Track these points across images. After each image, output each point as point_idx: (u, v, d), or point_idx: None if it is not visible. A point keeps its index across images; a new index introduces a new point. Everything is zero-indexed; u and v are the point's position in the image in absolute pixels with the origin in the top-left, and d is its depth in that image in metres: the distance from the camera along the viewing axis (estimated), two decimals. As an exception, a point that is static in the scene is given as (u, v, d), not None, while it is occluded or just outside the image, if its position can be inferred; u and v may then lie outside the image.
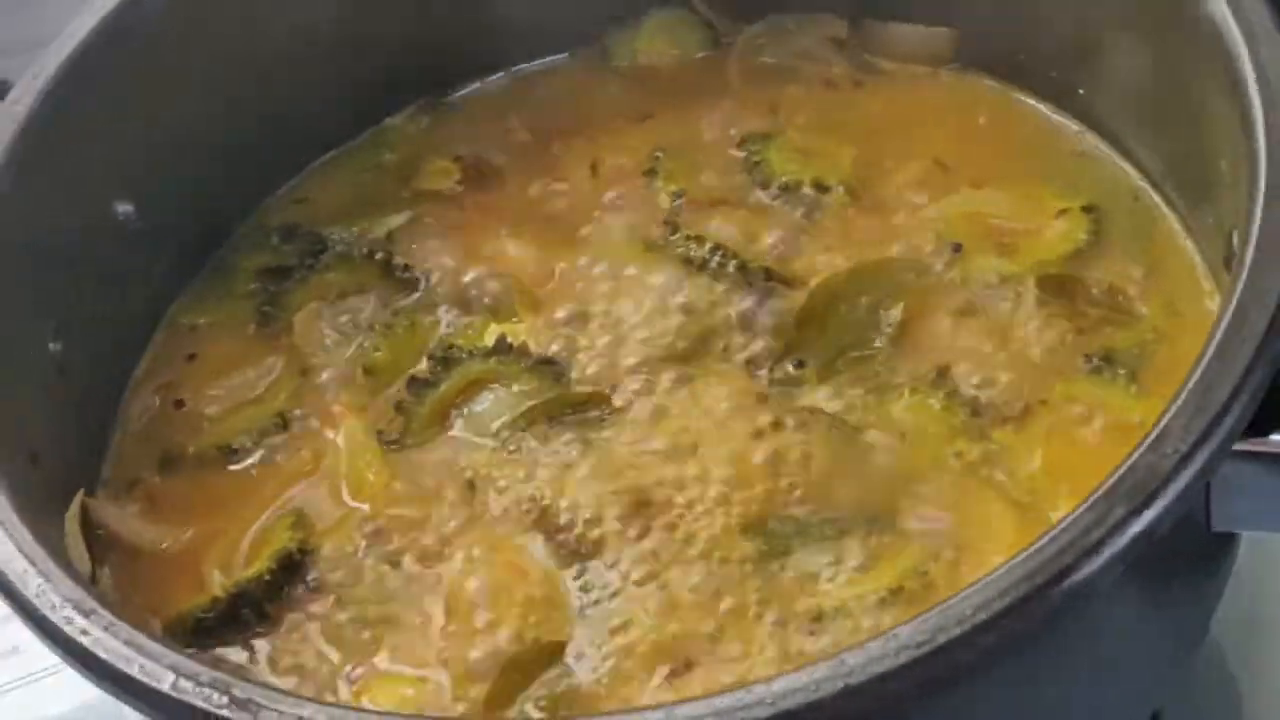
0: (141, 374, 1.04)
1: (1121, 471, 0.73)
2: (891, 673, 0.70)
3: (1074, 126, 1.02)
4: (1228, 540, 0.85)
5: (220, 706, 0.72)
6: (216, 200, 1.07)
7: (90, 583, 0.90)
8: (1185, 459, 0.72)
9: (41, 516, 0.88)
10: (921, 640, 0.70)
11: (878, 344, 0.96)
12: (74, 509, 0.94)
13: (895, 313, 0.96)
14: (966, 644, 0.70)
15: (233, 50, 1.05)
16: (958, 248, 0.98)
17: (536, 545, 0.91)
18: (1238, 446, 0.77)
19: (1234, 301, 0.75)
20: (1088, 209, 0.98)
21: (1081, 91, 1.00)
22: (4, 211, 0.95)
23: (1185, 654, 0.88)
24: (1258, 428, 0.78)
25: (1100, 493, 0.72)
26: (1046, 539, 0.71)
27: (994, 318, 0.95)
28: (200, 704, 0.73)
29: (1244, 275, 0.75)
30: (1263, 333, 0.74)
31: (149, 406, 1.02)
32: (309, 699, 0.75)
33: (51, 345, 0.96)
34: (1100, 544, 0.71)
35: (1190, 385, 0.74)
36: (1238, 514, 0.80)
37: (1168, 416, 0.73)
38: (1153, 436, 0.73)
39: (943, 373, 0.93)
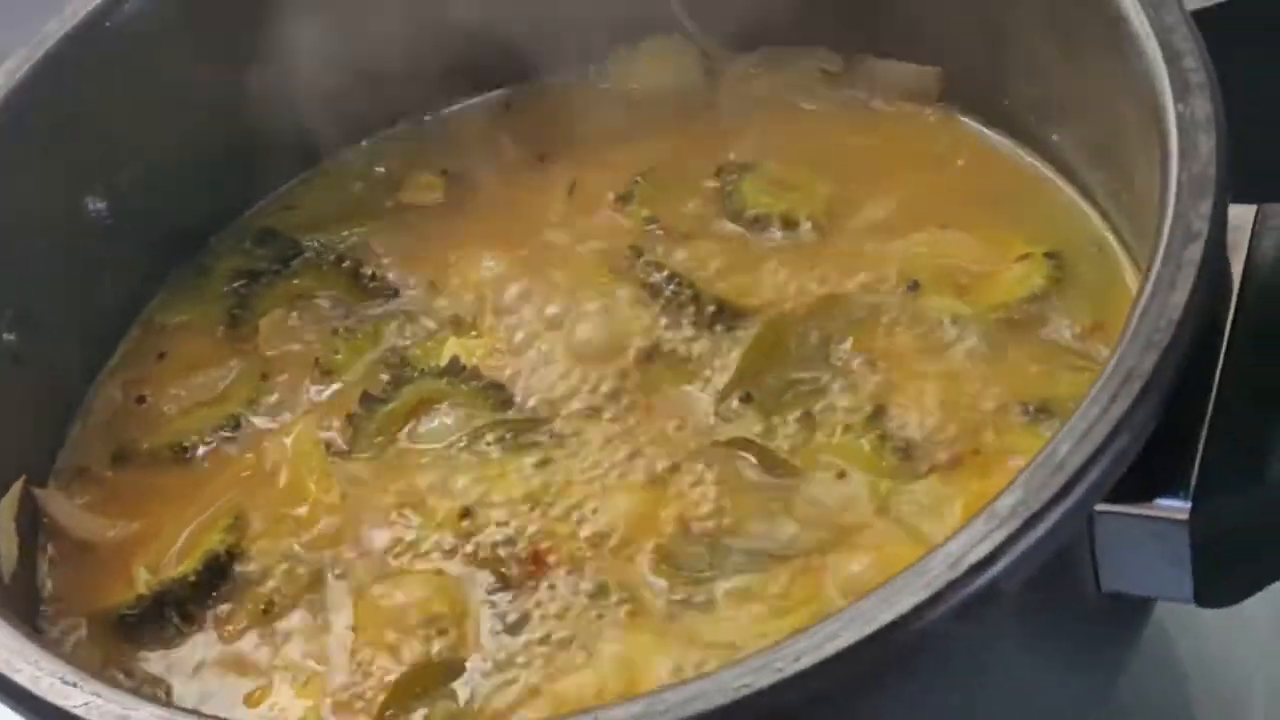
0: (111, 369, 1.05)
1: (969, 526, 0.71)
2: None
3: (1048, 173, 1.00)
4: (1129, 602, 0.82)
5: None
6: (200, 202, 1.08)
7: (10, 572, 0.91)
8: (1031, 520, 0.70)
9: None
10: (740, 684, 0.69)
11: (825, 379, 0.94)
12: (9, 498, 0.95)
13: (845, 348, 0.95)
14: (787, 689, 0.68)
15: (220, 57, 1.05)
16: (914, 285, 0.97)
17: (459, 568, 0.91)
18: (1120, 509, 0.75)
19: (1102, 378, 0.73)
20: (1050, 255, 0.96)
21: (1055, 138, 0.98)
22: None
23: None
24: (1143, 491, 0.76)
25: (944, 545, 0.71)
26: (884, 588, 0.70)
27: (939, 359, 0.94)
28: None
29: (1119, 349, 0.73)
30: (1124, 410, 0.72)
31: (112, 400, 1.04)
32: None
33: (4, 335, 0.97)
34: (938, 596, 0.69)
35: (1048, 448, 0.72)
36: (1127, 576, 0.78)
37: (1023, 474, 0.72)
38: (1006, 496, 0.71)
39: (878, 412, 0.92)
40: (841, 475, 0.91)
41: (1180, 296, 0.75)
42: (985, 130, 1.04)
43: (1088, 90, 0.92)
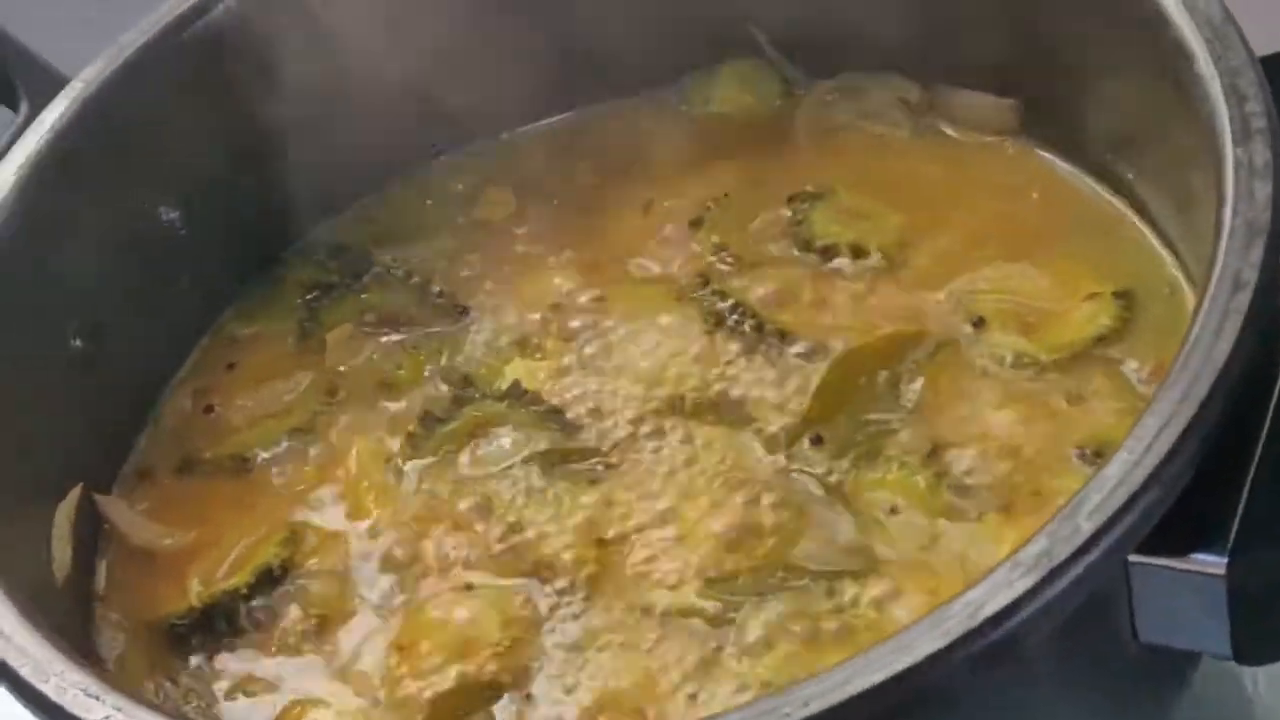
0: (182, 377, 1.06)
1: (992, 574, 0.70)
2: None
3: (1124, 211, 0.99)
4: (1170, 654, 0.81)
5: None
6: (277, 213, 1.08)
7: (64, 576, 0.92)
8: (1054, 572, 0.69)
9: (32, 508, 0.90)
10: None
11: (895, 421, 0.93)
12: (69, 502, 0.96)
13: (916, 387, 0.94)
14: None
15: (300, 72, 1.06)
16: (979, 322, 0.95)
17: (509, 591, 0.91)
18: (1156, 561, 0.74)
19: (1136, 429, 0.72)
20: (1119, 294, 0.94)
21: (1130, 176, 0.97)
22: (33, 204, 0.97)
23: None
24: (1180, 543, 0.74)
25: (964, 594, 0.70)
26: (901, 634, 0.69)
27: (1001, 399, 0.92)
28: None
29: (1156, 400, 0.72)
30: (1156, 464, 0.70)
31: (181, 409, 1.05)
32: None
33: (74, 342, 0.98)
34: (954, 646, 0.69)
35: (1078, 496, 0.71)
36: (1165, 628, 0.77)
37: (1050, 524, 0.70)
38: (1030, 545, 0.70)
39: (937, 450, 0.91)
40: (894, 511, 0.90)
41: (1224, 347, 0.74)
42: (1062, 164, 1.02)
43: (1157, 128, 0.91)
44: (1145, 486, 0.71)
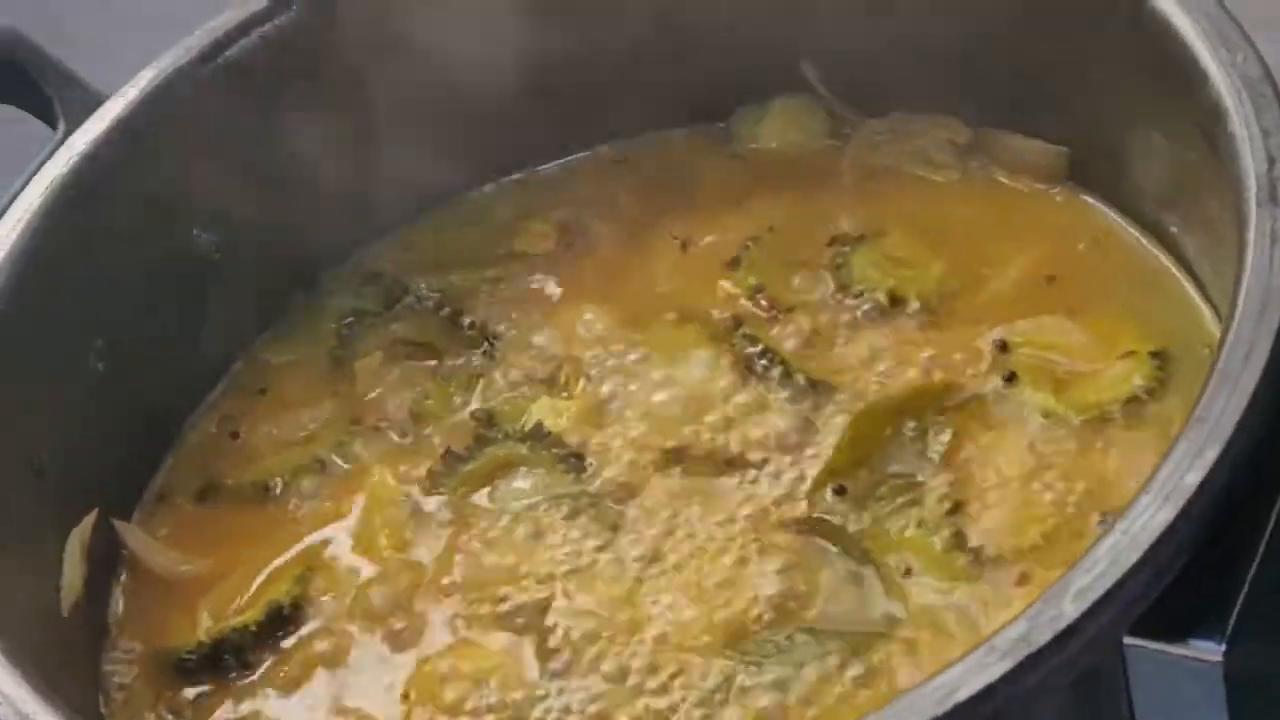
0: (213, 401, 1.05)
1: (968, 656, 0.67)
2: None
3: (1168, 265, 0.96)
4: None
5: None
6: (316, 239, 1.07)
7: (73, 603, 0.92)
8: (1032, 659, 0.67)
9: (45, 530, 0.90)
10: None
11: (919, 475, 0.90)
12: (83, 528, 0.95)
13: (943, 439, 0.91)
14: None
15: (344, 97, 1.04)
16: (1011, 377, 0.93)
17: (516, 643, 0.90)
18: (1151, 645, 0.71)
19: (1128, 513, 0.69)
20: (1155, 354, 0.91)
21: (1174, 230, 0.94)
22: (59, 224, 0.96)
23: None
24: (1178, 627, 0.71)
25: (939, 676, 0.67)
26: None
27: (1025, 457, 0.90)
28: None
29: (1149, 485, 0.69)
30: (1143, 553, 0.68)
31: (207, 433, 1.04)
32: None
33: (96, 365, 0.98)
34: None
35: (1063, 580, 0.68)
36: (1163, 712, 0.74)
37: (1032, 607, 0.68)
38: (1009, 629, 0.68)
39: (957, 509, 0.88)
40: (909, 572, 0.87)
41: (1229, 422, 0.71)
42: (1110, 214, 0.99)
43: (1196, 184, 0.87)
44: (1136, 569, 0.69)
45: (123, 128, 1.00)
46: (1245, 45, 0.83)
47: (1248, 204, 0.77)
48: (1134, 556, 0.69)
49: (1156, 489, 0.70)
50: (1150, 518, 0.69)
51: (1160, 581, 0.70)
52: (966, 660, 0.68)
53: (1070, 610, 0.68)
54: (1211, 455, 0.70)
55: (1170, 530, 0.69)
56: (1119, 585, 0.68)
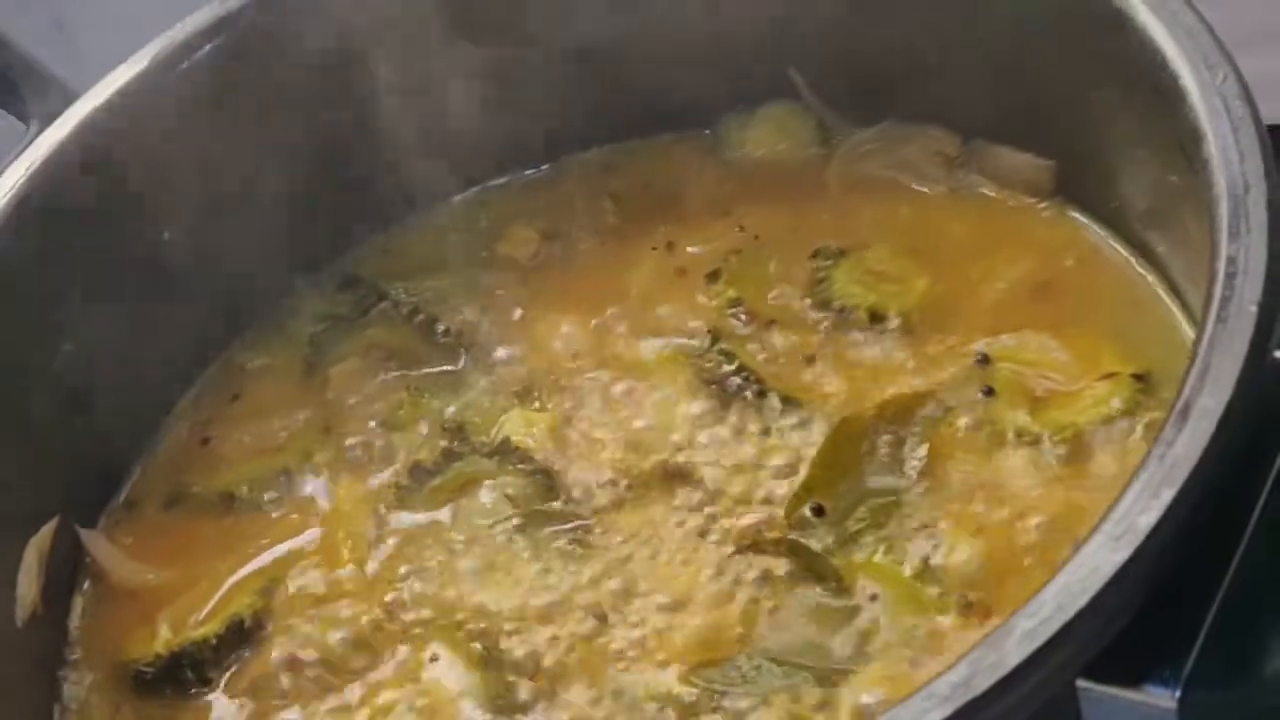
0: (186, 406, 1.04)
1: (906, 702, 0.65)
2: None
3: (1154, 284, 0.93)
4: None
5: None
6: (291, 242, 1.05)
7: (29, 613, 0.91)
8: (970, 707, 0.65)
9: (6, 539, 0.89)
10: None
11: (896, 492, 0.89)
12: (42, 536, 0.94)
13: (920, 454, 0.89)
14: None
15: (331, 99, 1.03)
16: (989, 391, 0.90)
17: (471, 671, 0.88)
18: (1103, 689, 0.69)
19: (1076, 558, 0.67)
20: (1137, 376, 0.89)
21: (1160, 250, 0.91)
22: (23, 227, 0.95)
23: None
24: (1132, 672, 0.69)
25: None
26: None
27: (996, 478, 0.88)
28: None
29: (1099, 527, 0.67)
30: (1090, 598, 0.65)
31: (179, 440, 1.03)
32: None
33: (62, 369, 0.96)
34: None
35: (1007, 624, 0.66)
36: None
37: (974, 651, 0.66)
38: (950, 673, 0.65)
39: (925, 534, 0.87)
40: (874, 598, 0.85)
41: (1185, 464, 0.68)
42: (1099, 231, 0.97)
43: (1178, 205, 0.85)
44: (1085, 614, 0.66)
45: (91, 129, 0.98)
46: (1226, 64, 0.80)
47: (1219, 231, 0.75)
48: (1082, 601, 0.66)
49: (1108, 530, 0.67)
50: (1101, 560, 0.66)
51: (1113, 625, 0.67)
52: (907, 704, 0.65)
53: (1014, 655, 0.65)
54: (1168, 495, 0.68)
55: (1122, 573, 0.66)
56: (1066, 630, 0.66)
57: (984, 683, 0.65)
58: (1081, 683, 0.69)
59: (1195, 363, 0.71)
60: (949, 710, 0.65)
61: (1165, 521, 0.68)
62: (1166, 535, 0.68)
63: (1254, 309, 0.72)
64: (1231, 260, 0.74)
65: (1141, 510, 0.68)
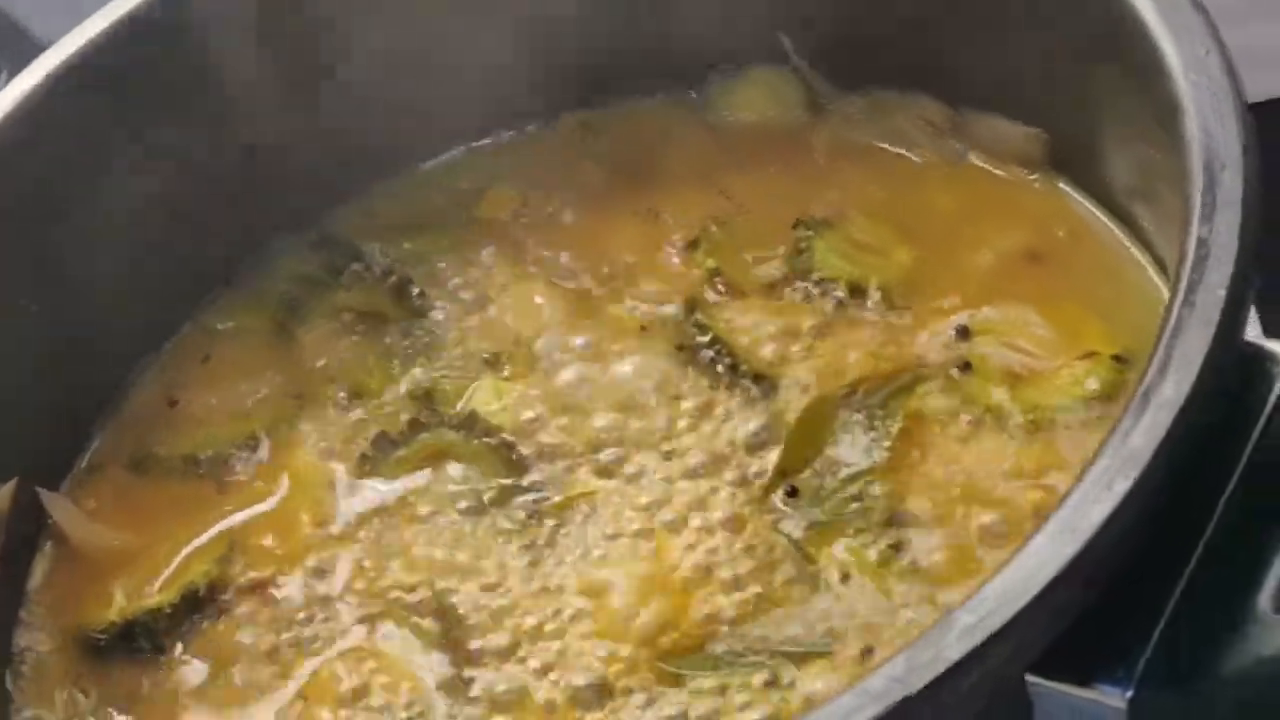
0: (156, 367, 1.02)
1: (836, 699, 0.63)
2: None
3: (1143, 261, 0.90)
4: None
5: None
6: (265, 202, 1.03)
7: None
8: (905, 704, 0.62)
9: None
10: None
11: (867, 470, 0.86)
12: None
13: (893, 428, 0.87)
14: None
15: (307, 58, 1.01)
16: (966, 366, 0.88)
17: (424, 648, 0.86)
18: (1052, 686, 0.67)
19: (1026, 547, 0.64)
20: (1119, 357, 0.86)
21: (1147, 226, 0.88)
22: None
23: None
24: (1082, 669, 0.67)
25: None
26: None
27: (968, 457, 0.86)
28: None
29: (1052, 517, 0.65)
30: (1040, 589, 0.63)
31: (147, 401, 1.01)
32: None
33: (28, 329, 0.94)
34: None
35: (948, 618, 0.64)
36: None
37: (912, 646, 0.64)
38: (886, 668, 0.63)
39: (895, 517, 0.84)
40: (845, 579, 0.83)
41: (1141, 456, 0.65)
42: (1089, 205, 0.94)
43: (1160, 181, 0.82)
44: (1029, 610, 0.64)
45: (62, 79, 0.96)
46: (1210, 38, 0.77)
47: (1192, 210, 0.72)
48: (1026, 596, 0.64)
49: (1058, 522, 0.65)
50: (1049, 554, 0.64)
51: (1061, 620, 0.65)
52: (839, 701, 0.63)
53: (952, 652, 0.63)
54: (1122, 488, 0.65)
55: (1070, 568, 0.64)
56: (1009, 626, 0.63)
57: (919, 680, 0.63)
58: (1031, 679, 0.67)
59: (1158, 348, 0.68)
60: (880, 709, 0.63)
61: (1119, 515, 0.65)
62: (1120, 529, 0.65)
63: (1222, 293, 0.69)
64: (1202, 241, 0.71)
65: (1094, 502, 0.65)
